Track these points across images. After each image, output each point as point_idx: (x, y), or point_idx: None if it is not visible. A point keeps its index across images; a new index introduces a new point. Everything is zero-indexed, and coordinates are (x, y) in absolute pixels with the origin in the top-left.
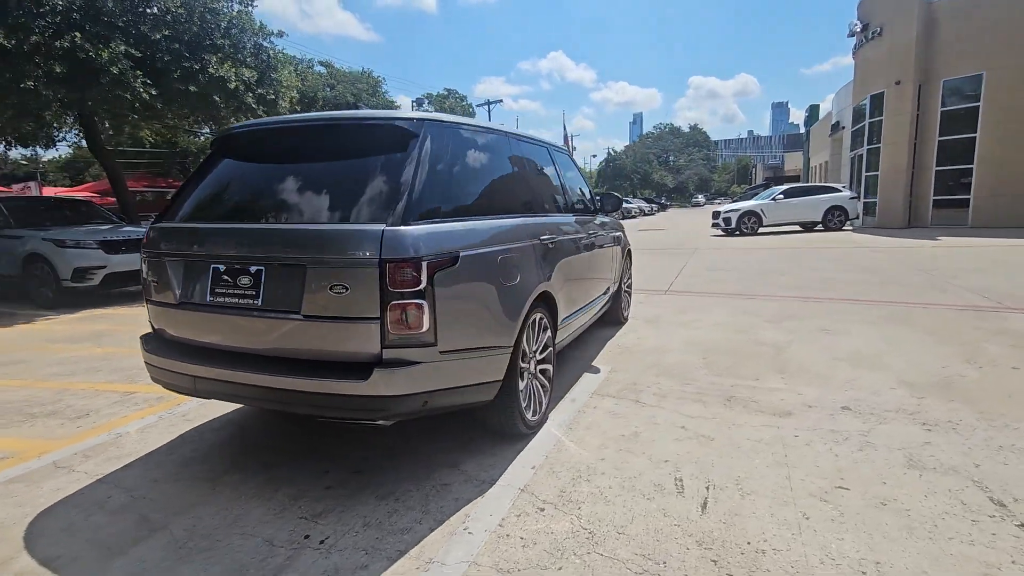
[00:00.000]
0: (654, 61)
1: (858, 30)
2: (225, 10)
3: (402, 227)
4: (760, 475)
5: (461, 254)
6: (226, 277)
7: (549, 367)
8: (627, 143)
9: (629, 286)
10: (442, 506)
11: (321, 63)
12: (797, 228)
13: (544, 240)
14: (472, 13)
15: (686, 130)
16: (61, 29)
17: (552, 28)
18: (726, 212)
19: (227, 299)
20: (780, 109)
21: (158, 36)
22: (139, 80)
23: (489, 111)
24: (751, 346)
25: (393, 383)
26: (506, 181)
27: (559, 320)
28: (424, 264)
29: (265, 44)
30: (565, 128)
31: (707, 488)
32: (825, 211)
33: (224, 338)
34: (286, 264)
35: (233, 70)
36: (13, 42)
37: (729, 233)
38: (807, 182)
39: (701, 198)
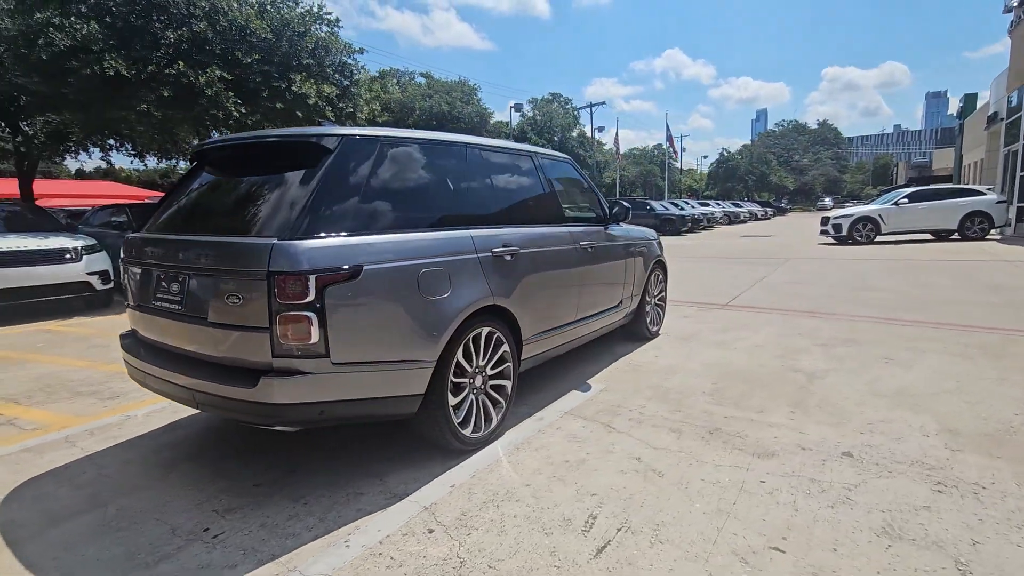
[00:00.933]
0: (782, 53)
1: (1016, 3)
2: (313, 32)
3: (292, 241)
4: (689, 523)
5: (365, 268)
6: (163, 283)
7: (506, 383)
8: (749, 142)
9: (662, 299)
10: (340, 515)
11: (422, 74)
12: (928, 237)
13: (499, 252)
14: (585, 16)
15: (813, 126)
16: (171, 59)
17: (668, 25)
18: (837, 218)
19: (163, 303)
20: (937, 100)
21: (249, 60)
22: (231, 100)
23: (591, 114)
24: (780, 372)
25: (278, 391)
26: (451, 193)
27: (526, 336)
28: (312, 278)
29: (349, 61)
30: (668, 129)
31: (618, 530)
32: (962, 218)
33: (162, 339)
34: (200, 274)
35: (314, 87)
36: (133, 72)
37: (840, 241)
38: (958, 183)
39: (828, 201)
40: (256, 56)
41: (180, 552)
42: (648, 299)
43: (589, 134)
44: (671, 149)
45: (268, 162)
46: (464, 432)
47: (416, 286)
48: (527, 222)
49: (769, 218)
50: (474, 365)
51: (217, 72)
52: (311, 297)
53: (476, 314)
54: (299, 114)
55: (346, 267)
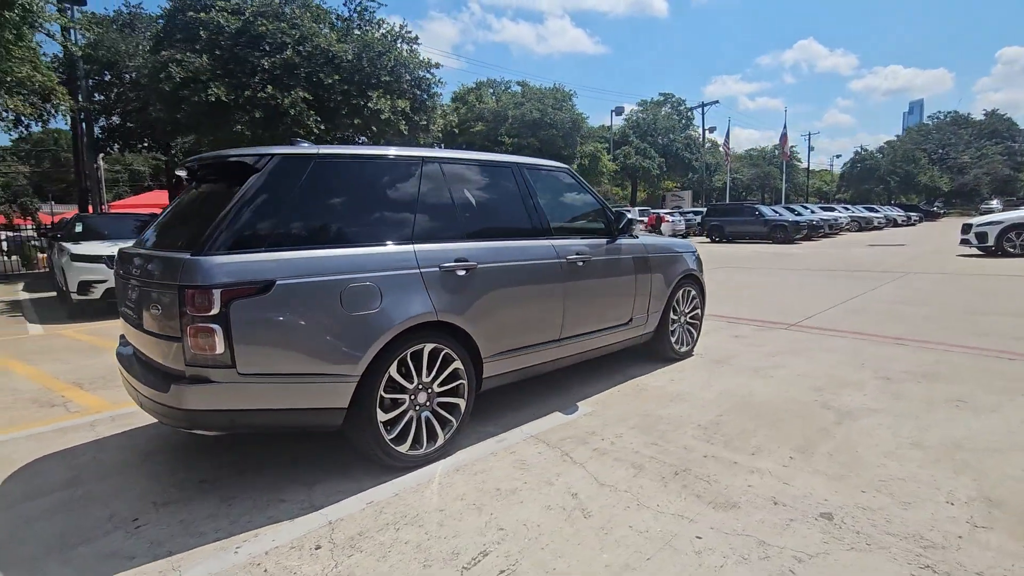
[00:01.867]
0: (944, 34)
1: None
2: (393, 51)
3: (201, 257)
4: (583, 575)
5: (278, 282)
6: (127, 292)
7: (459, 401)
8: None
9: (695, 317)
10: (251, 520)
11: (518, 83)
12: None
13: (449, 268)
14: (706, 12)
15: (978, 117)
16: (264, 84)
17: (801, 14)
18: (981, 225)
19: (126, 311)
20: None
21: (330, 81)
22: (311, 119)
23: (703, 114)
24: (807, 409)
25: (188, 398)
26: (394, 208)
27: (487, 354)
28: (217, 292)
29: (426, 75)
30: (785, 128)
31: (500, 573)
32: None
33: (128, 343)
34: (141, 284)
35: (388, 103)
36: (231, 97)
37: (987, 253)
38: None
39: (996, 203)
40: (337, 77)
41: (102, 538)
42: (675, 317)
43: (701, 135)
44: (782, 150)
45: (215, 181)
46: (398, 449)
47: (339, 301)
48: (499, 236)
49: (913, 224)
50: (416, 382)
51: (300, 94)
52: (215, 310)
53: (416, 330)
54: (373, 128)
55: (254, 282)
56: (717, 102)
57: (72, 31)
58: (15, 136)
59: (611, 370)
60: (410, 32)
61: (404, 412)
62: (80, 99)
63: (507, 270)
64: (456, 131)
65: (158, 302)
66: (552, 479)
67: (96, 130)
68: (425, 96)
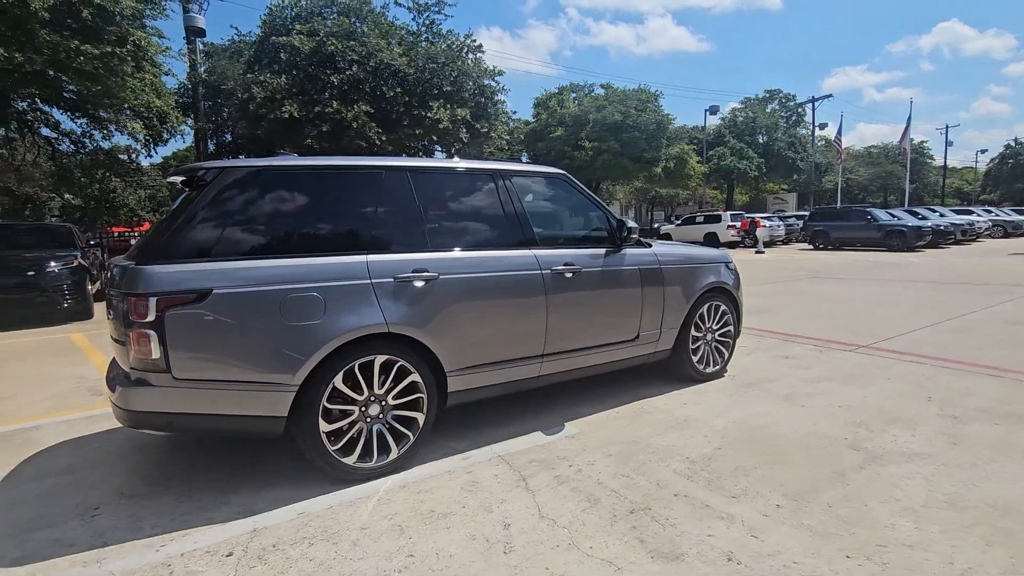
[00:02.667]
0: None
1: None
2: (457, 61)
3: (143, 266)
4: None
5: (215, 291)
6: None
7: (417, 415)
8: None
9: (726, 335)
10: (188, 519)
11: (602, 86)
12: None
13: (406, 278)
14: (824, 1)
15: None
16: (332, 99)
17: None
18: None
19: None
20: None
21: (392, 94)
22: (373, 131)
23: (813, 110)
24: (830, 448)
25: (130, 399)
26: (349, 218)
27: (451, 368)
28: (153, 300)
29: (490, 83)
30: (909, 121)
31: None
32: None
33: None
34: (110, 292)
35: (447, 112)
36: (303, 114)
37: None
38: None
39: None
40: (399, 89)
41: (61, 524)
42: (698, 334)
43: (811, 132)
44: (902, 147)
45: (183, 192)
46: (344, 460)
47: (278, 311)
48: (473, 245)
49: None
50: (366, 394)
51: (363, 107)
52: (151, 317)
53: (365, 341)
54: (433, 137)
55: (190, 291)
56: (831, 96)
57: (195, 60)
58: (148, 157)
59: (620, 389)
60: (475, 41)
61: (353, 424)
62: (198, 120)
63: (475, 281)
64: (535, 137)
65: (116, 308)
66: (494, 506)
67: (211, 147)
68: (488, 104)
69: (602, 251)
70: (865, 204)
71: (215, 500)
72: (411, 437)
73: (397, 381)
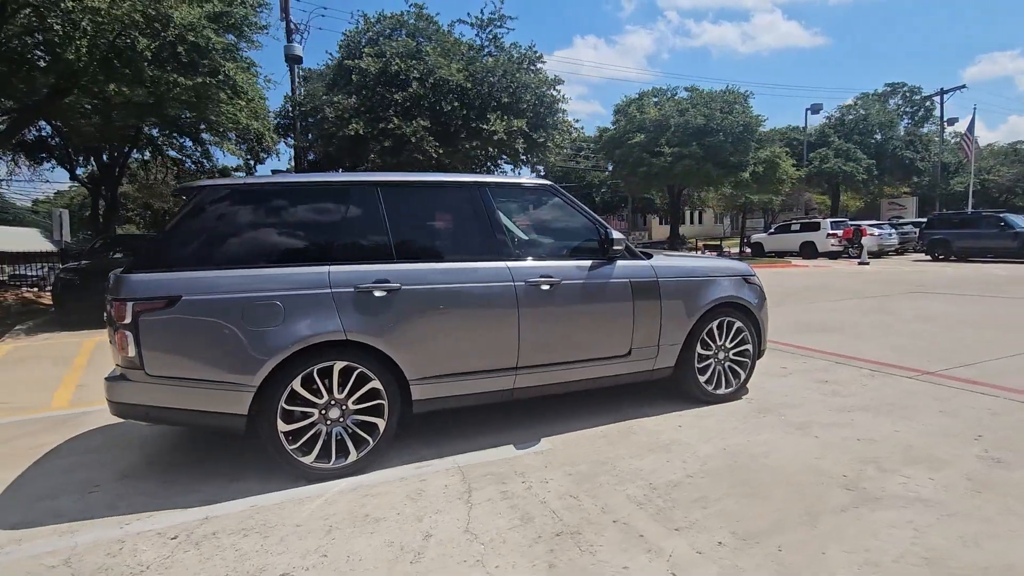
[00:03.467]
0: None
1: None
2: (518, 73)
3: (127, 274)
4: None
5: (184, 298)
6: None
7: (377, 421)
8: None
9: (743, 354)
10: (158, 504)
11: (686, 89)
12: None
13: (366, 288)
14: None
15: None
16: (395, 115)
17: None
18: None
19: None
20: None
21: (449, 108)
22: (431, 145)
23: (942, 103)
24: (820, 485)
25: (112, 391)
26: (313, 231)
27: (414, 377)
28: (130, 304)
29: (551, 92)
30: (973, 118)
31: None
32: None
33: None
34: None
35: (503, 123)
36: (368, 130)
37: None
38: None
39: None
40: (456, 103)
41: (64, 496)
42: (707, 352)
43: (942, 128)
44: (964, 142)
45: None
46: (302, 460)
47: (240, 317)
48: (443, 257)
49: None
50: (326, 398)
51: (421, 123)
52: (128, 319)
53: (324, 347)
54: (490, 149)
55: (162, 296)
56: (964, 87)
57: (294, 84)
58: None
59: (615, 406)
60: (536, 52)
61: (312, 425)
62: (296, 140)
63: (439, 292)
64: (614, 144)
65: (107, 311)
66: (426, 516)
67: (305, 163)
68: (547, 114)
69: (588, 263)
70: (999, 209)
71: (190, 487)
72: (371, 442)
73: (357, 387)
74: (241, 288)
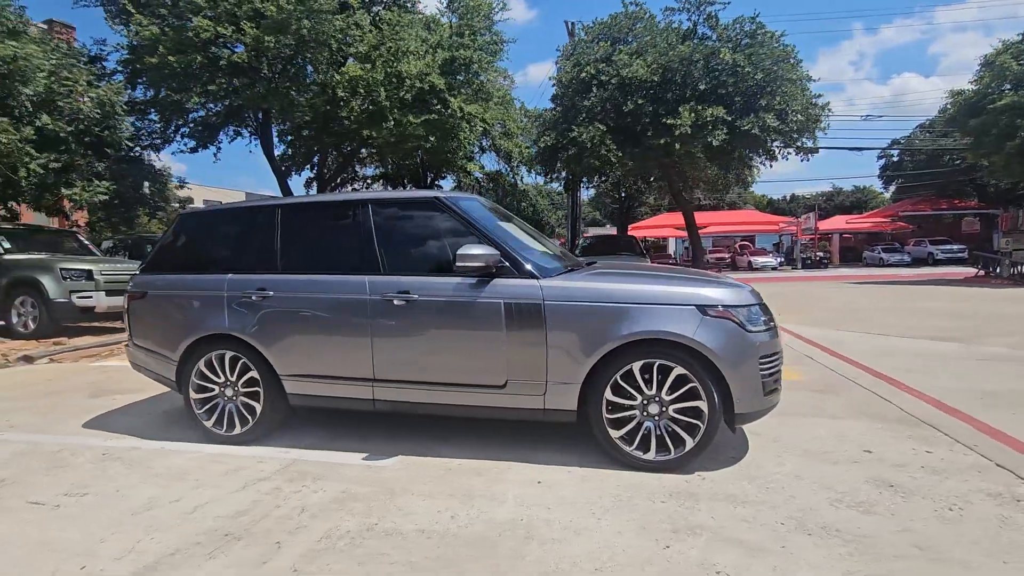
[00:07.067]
0: None
1: None
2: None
3: (136, 275)
4: None
5: (150, 293)
6: None
7: (255, 404)
8: None
9: (691, 412)
10: (150, 433)
11: None
12: None
13: (247, 294)
14: None
15: None
16: (579, 123)
17: None
18: None
19: None
20: None
21: (632, 106)
22: (610, 151)
23: None
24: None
25: (128, 352)
26: (229, 245)
27: (282, 372)
28: (127, 295)
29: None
30: None
31: None
32: None
33: None
34: None
35: (690, 115)
36: (560, 139)
37: None
38: None
39: None
40: (640, 100)
41: (114, 444)
42: (629, 402)
43: None
44: None
45: None
46: (206, 423)
47: (174, 309)
48: (318, 270)
49: None
50: (222, 379)
51: (599, 127)
52: (127, 306)
53: (216, 339)
54: (676, 145)
55: (138, 292)
56: None
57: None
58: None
59: (515, 441)
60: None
61: (213, 398)
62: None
63: (299, 300)
64: (969, 111)
65: None
66: (205, 487)
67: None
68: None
69: (456, 280)
70: None
71: (170, 427)
72: (250, 420)
73: (242, 374)
74: (177, 287)
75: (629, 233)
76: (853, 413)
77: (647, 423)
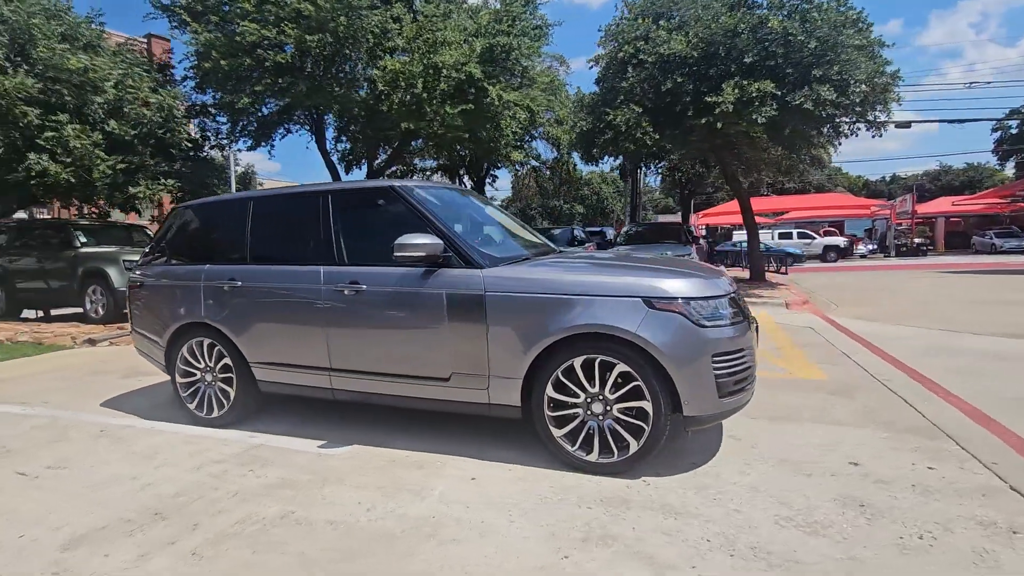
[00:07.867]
0: None
1: None
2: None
3: (139, 265)
4: None
5: (144, 282)
6: None
7: (229, 389)
8: None
9: (635, 412)
10: (150, 413)
11: None
12: None
13: (220, 284)
14: None
15: None
16: (615, 106)
17: None
18: None
19: None
20: None
21: (670, 85)
22: (644, 133)
23: None
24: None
25: (133, 337)
26: (208, 237)
27: (251, 359)
28: (129, 284)
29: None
30: None
31: None
32: None
33: None
34: None
35: (734, 92)
36: (596, 123)
37: None
38: None
39: None
40: (679, 79)
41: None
42: (570, 399)
43: None
44: None
45: None
46: (190, 406)
47: (163, 297)
48: (276, 260)
49: None
50: (202, 364)
51: (635, 108)
52: (128, 295)
53: (195, 327)
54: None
55: (138, 282)
56: None
57: None
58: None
59: (467, 435)
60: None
61: (196, 382)
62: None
63: (262, 290)
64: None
65: None
66: (162, 465)
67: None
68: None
69: (403, 271)
70: None
71: (160, 405)
72: (226, 404)
73: (218, 360)
74: (161, 276)
75: (677, 222)
76: (860, 419)
77: (591, 422)
